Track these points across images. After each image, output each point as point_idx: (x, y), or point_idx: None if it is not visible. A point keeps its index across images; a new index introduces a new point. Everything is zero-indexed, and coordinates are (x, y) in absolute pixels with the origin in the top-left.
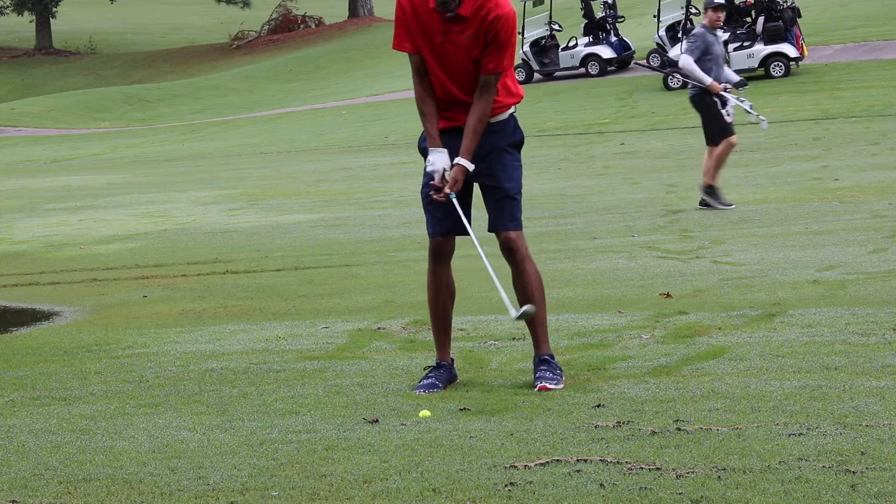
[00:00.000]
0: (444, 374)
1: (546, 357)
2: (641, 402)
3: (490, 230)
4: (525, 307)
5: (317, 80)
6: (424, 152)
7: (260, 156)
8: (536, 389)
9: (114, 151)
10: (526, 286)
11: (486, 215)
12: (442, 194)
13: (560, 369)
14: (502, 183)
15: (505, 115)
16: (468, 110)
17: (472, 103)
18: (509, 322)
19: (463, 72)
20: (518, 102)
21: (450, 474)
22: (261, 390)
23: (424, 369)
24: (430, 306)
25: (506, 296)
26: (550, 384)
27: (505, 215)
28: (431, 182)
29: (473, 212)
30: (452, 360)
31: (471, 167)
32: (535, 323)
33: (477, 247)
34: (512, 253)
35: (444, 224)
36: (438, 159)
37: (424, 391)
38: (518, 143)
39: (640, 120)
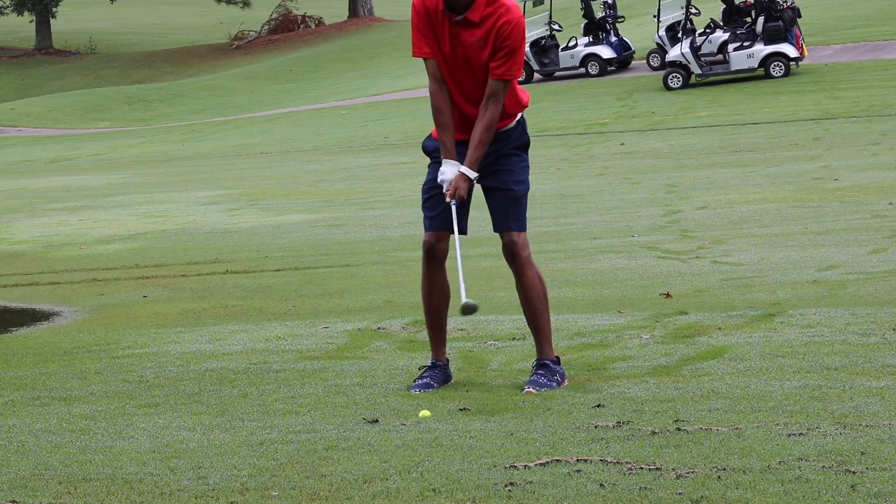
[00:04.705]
0: (439, 374)
1: (545, 362)
2: (641, 402)
3: (495, 230)
4: (466, 301)
5: (317, 80)
6: (427, 151)
7: (260, 156)
8: (523, 392)
9: (114, 151)
10: (527, 291)
11: (486, 215)
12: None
13: (560, 374)
14: (510, 185)
15: (512, 124)
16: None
17: (479, 112)
18: (509, 322)
19: (471, 82)
20: (524, 111)
21: (450, 474)
22: (261, 390)
23: (419, 369)
24: (424, 308)
25: (464, 286)
26: (535, 389)
27: (510, 216)
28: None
29: (473, 212)
30: (447, 360)
31: (473, 176)
32: (537, 327)
33: (457, 247)
34: (514, 257)
35: (436, 221)
36: (450, 170)
37: (420, 391)
38: (524, 145)
39: (640, 120)
